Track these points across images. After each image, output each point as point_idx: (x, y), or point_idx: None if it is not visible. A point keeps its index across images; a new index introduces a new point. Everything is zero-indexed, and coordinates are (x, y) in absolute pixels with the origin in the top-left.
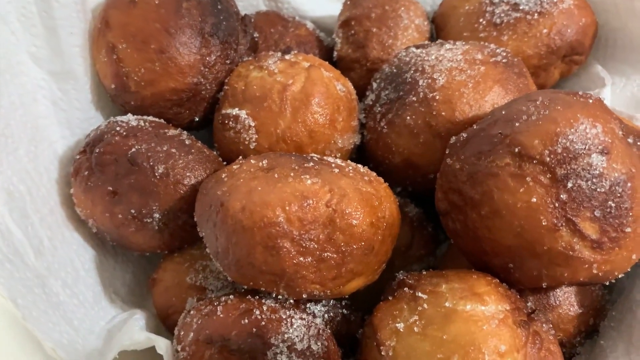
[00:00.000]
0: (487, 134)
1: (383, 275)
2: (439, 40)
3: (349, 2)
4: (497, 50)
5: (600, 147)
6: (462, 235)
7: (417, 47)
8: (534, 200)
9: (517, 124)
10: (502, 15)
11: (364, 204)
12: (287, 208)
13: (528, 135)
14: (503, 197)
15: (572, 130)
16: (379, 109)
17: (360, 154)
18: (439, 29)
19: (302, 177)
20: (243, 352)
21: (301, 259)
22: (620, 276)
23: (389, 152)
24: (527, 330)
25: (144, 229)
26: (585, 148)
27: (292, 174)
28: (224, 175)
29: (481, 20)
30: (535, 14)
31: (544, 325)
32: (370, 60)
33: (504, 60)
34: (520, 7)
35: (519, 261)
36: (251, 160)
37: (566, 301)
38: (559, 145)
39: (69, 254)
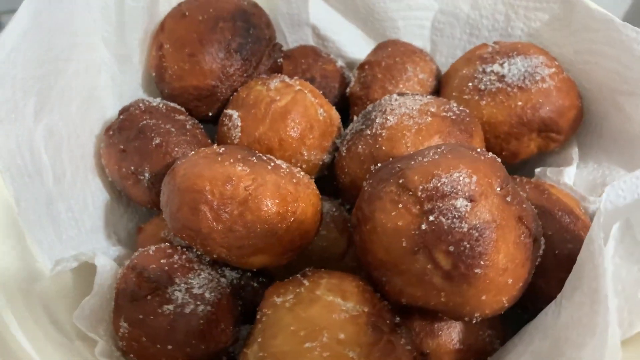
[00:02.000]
0: (392, 167)
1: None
2: (417, 93)
3: (372, 50)
4: (454, 108)
5: (467, 194)
6: (358, 246)
7: (399, 94)
8: (400, 223)
9: (412, 162)
10: (488, 83)
11: (276, 195)
12: (212, 182)
13: (413, 172)
14: (380, 217)
15: (447, 174)
16: (348, 137)
17: (330, 172)
18: (441, 86)
19: (236, 164)
20: (152, 281)
21: (215, 224)
22: (477, 315)
23: (342, 172)
24: (379, 335)
25: (138, 184)
26: (452, 191)
27: (231, 160)
28: (192, 153)
29: (470, 84)
30: (515, 88)
31: (403, 340)
32: (370, 100)
33: (453, 117)
34: (505, 79)
35: (389, 276)
36: (214, 146)
37: (447, 334)
38: (431, 183)
39: (84, 191)
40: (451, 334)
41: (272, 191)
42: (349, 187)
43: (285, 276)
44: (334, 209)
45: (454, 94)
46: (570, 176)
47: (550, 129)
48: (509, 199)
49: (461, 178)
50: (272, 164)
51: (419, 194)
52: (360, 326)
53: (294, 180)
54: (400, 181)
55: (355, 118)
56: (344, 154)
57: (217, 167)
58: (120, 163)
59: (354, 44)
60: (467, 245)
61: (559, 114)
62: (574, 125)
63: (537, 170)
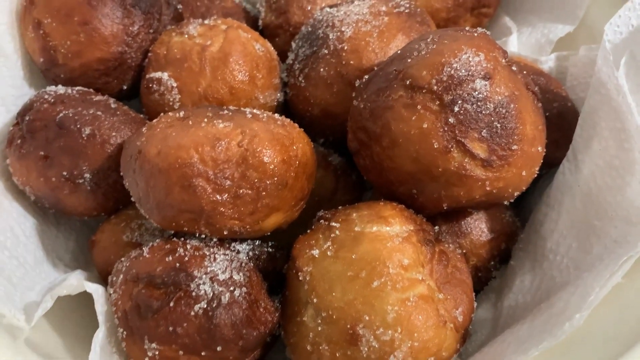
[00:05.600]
0: (385, 72)
1: (309, 219)
2: None
3: None
4: (401, 2)
5: (482, 72)
6: (371, 169)
7: (331, 6)
8: (425, 125)
9: (409, 60)
10: None
11: (274, 143)
12: (199, 149)
13: (417, 68)
14: (399, 127)
15: (456, 59)
16: (298, 65)
17: (285, 112)
18: None
19: (214, 121)
20: (167, 284)
21: (217, 196)
22: (516, 194)
23: (308, 105)
24: (432, 248)
25: (78, 190)
26: (468, 74)
27: (205, 120)
28: (144, 129)
29: None
30: None
31: (450, 245)
32: (292, 25)
33: (406, 11)
34: None
35: (421, 186)
36: (169, 113)
37: (477, 228)
38: (444, 73)
39: (8, 221)
40: (480, 227)
41: (268, 139)
42: (320, 117)
43: (281, 238)
44: None
45: None
46: (514, 44)
47: (482, 4)
48: (514, 68)
49: (470, 58)
50: (248, 112)
51: (434, 88)
52: (415, 245)
53: (279, 122)
54: (407, 82)
55: (292, 46)
56: (302, 85)
57: (195, 132)
58: (46, 172)
59: None
60: (498, 125)
61: None
62: None
63: None
